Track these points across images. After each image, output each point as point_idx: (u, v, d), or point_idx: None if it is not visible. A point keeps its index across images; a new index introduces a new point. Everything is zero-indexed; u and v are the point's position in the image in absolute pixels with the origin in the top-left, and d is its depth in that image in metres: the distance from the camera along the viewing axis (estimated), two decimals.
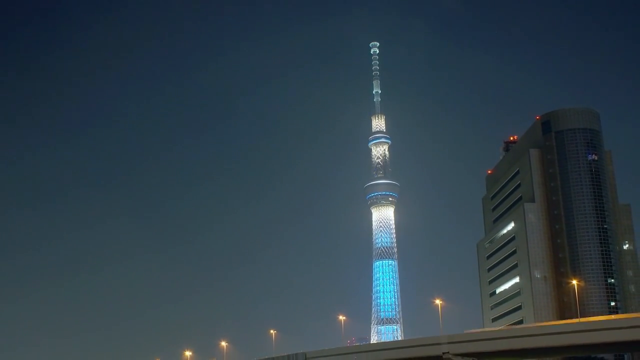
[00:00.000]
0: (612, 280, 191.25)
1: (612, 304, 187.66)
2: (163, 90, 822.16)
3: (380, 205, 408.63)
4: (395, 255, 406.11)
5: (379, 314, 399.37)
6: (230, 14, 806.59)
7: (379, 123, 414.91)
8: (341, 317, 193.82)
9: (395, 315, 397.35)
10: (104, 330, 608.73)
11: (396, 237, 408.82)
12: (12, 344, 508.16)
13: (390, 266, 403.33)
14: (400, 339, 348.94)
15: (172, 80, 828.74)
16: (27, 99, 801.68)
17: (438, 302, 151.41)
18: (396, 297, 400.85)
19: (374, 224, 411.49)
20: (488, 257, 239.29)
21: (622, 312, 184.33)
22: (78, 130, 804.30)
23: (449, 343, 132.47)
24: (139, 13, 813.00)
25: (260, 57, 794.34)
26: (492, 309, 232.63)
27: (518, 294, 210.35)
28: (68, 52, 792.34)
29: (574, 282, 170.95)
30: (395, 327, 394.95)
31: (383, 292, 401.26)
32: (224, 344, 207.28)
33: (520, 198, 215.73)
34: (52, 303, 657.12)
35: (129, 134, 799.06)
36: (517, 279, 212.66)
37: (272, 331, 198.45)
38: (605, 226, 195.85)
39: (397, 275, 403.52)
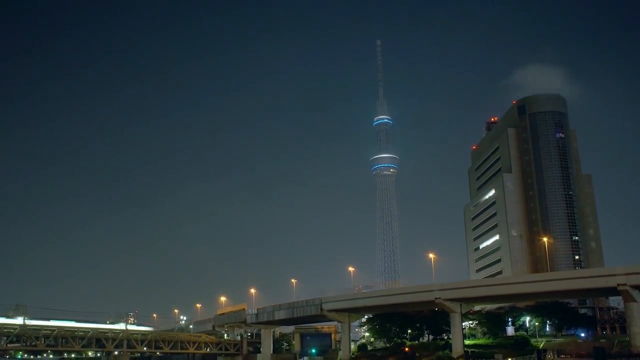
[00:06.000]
0: (577, 237, 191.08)
1: (577, 257, 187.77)
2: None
3: (383, 175, 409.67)
4: (396, 217, 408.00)
5: (382, 265, 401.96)
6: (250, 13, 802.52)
7: (382, 107, 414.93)
8: (351, 269, 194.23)
9: (396, 266, 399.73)
10: (158, 281, 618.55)
11: (396, 201, 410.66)
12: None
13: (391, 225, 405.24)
14: (400, 286, 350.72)
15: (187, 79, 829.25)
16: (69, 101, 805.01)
17: (431, 255, 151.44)
18: (396, 251, 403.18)
19: (378, 190, 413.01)
20: (473, 219, 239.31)
21: (585, 264, 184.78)
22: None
23: (440, 290, 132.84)
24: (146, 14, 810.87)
25: (282, 57, 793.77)
26: (476, 261, 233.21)
27: (498, 249, 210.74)
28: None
29: (545, 239, 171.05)
30: (396, 276, 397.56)
31: (386, 247, 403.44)
32: (253, 290, 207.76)
33: (500, 169, 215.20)
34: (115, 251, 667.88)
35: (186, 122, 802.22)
36: (497, 237, 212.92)
37: (293, 280, 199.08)
38: (570, 192, 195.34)
39: (398, 233, 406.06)
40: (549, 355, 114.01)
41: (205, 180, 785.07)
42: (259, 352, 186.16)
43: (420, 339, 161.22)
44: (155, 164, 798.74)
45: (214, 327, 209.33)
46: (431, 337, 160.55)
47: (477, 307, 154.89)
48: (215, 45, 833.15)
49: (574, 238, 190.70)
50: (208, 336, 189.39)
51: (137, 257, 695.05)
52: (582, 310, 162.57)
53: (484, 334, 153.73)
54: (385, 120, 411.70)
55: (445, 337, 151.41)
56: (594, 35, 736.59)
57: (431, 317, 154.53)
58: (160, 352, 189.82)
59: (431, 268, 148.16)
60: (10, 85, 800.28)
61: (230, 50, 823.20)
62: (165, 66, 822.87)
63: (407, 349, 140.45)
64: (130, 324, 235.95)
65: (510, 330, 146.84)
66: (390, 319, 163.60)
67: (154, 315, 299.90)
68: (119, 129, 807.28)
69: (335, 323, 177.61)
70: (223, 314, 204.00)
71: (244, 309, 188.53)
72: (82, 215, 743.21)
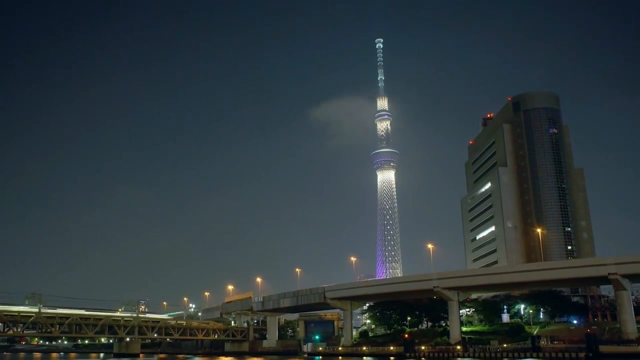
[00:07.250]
0: (569, 228, 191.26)
1: (569, 247, 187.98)
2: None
3: (384, 169, 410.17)
4: (396, 208, 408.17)
5: (382, 255, 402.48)
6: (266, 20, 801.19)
7: (382, 103, 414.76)
8: (352, 258, 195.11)
9: (396, 256, 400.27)
10: (168, 270, 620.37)
11: (396, 193, 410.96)
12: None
13: (392, 217, 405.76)
14: (399, 275, 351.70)
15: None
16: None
17: (430, 246, 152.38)
18: (396, 242, 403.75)
19: (379, 184, 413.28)
20: (470, 211, 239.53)
21: (577, 254, 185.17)
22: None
23: (438, 279, 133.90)
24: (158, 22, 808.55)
25: (292, 61, 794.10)
26: (473, 251, 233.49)
27: (494, 239, 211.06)
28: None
29: (538, 230, 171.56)
30: (396, 266, 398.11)
31: (386, 237, 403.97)
32: (259, 279, 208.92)
33: (496, 163, 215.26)
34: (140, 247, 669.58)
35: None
36: (493, 228, 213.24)
37: (297, 270, 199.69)
38: (563, 185, 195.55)
39: (398, 224, 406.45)
40: (543, 342, 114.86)
41: (207, 172, 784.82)
42: (265, 338, 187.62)
43: (420, 326, 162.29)
44: (157, 153, 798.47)
45: (221, 314, 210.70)
46: (430, 324, 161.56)
47: (473, 296, 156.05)
48: (211, 44, 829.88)
49: (566, 229, 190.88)
50: (216, 323, 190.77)
51: (148, 247, 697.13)
52: (575, 299, 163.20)
53: (481, 321, 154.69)
54: (386, 116, 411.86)
55: (444, 324, 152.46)
56: (586, 39, 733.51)
57: (430, 305, 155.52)
58: (170, 339, 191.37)
59: (430, 258, 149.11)
60: (15, 80, 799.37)
61: (227, 49, 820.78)
62: (157, 59, 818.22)
63: (406, 336, 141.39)
64: (143, 312, 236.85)
65: (505, 318, 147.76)
66: (390, 306, 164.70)
67: (164, 303, 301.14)
68: (129, 111, 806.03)
69: (337, 311, 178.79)
70: (230, 301, 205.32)
71: (250, 297, 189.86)
72: (91, 208, 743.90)
